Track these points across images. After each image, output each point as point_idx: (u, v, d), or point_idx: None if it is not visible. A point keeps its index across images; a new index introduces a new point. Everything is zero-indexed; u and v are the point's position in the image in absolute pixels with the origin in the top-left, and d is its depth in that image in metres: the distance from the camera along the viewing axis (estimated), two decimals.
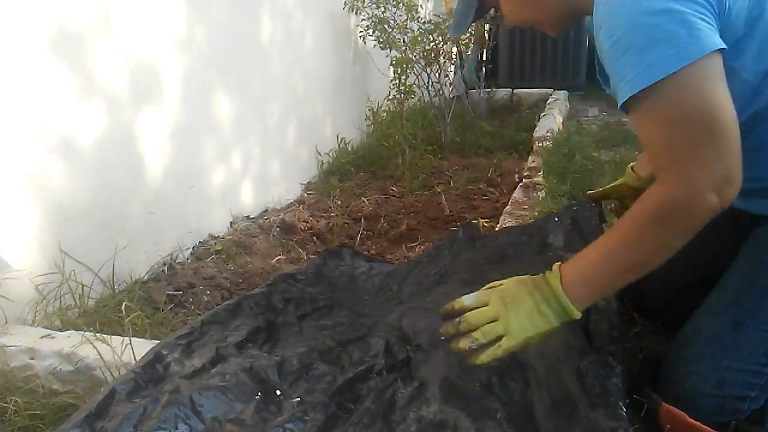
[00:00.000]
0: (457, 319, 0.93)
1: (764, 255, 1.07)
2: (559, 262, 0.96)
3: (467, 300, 0.95)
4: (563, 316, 0.92)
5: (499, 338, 0.91)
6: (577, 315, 0.92)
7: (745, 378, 1.01)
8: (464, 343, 0.91)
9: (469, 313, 0.93)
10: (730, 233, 1.16)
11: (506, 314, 0.92)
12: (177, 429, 0.91)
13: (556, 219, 1.53)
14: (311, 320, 1.34)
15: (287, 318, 1.33)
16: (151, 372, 1.04)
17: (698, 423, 0.99)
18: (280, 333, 1.26)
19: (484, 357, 0.91)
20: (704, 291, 1.13)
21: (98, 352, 1.18)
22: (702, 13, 0.86)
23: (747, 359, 1.01)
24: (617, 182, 1.56)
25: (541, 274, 0.96)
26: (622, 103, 0.90)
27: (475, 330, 0.91)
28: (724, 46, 0.86)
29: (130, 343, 1.19)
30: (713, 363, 1.02)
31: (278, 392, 1.04)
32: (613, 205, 1.60)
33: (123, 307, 1.34)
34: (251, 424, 0.95)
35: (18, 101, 1.32)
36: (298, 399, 1.01)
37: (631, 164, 1.55)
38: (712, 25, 0.87)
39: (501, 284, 0.96)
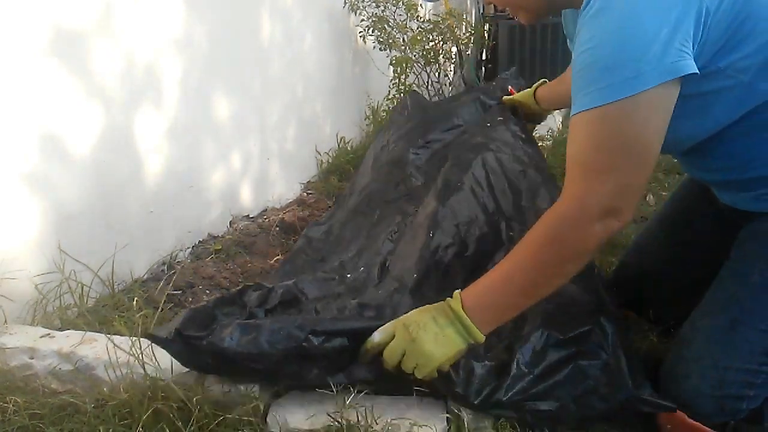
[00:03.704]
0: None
1: (757, 252, 1.06)
2: (459, 290, 0.99)
3: (376, 338, 1.00)
4: (468, 337, 0.96)
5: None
6: (481, 338, 0.96)
7: (743, 377, 1.01)
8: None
9: (384, 353, 0.99)
10: (715, 232, 1.16)
11: (412, 345, 0.95)
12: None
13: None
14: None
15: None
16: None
17: (698, 424, 0.99)
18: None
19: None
20: (699, 290, 1.12)
21: (97, 351, 1.18)
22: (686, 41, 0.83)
23: (746, 359, 1.01)
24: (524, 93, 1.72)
25: (442, 301, 0.99)
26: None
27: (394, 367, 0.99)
28: (695, 70, 0.84)
29: (131, 343, 1.19)
30: (712, 363, 1.02)
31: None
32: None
33: (122, 307, 1.34)
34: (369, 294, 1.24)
35: (17, 100, 1.32)
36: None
37: (541, 81, 1.67)
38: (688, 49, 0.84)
39: (406, 315, 1.00)
